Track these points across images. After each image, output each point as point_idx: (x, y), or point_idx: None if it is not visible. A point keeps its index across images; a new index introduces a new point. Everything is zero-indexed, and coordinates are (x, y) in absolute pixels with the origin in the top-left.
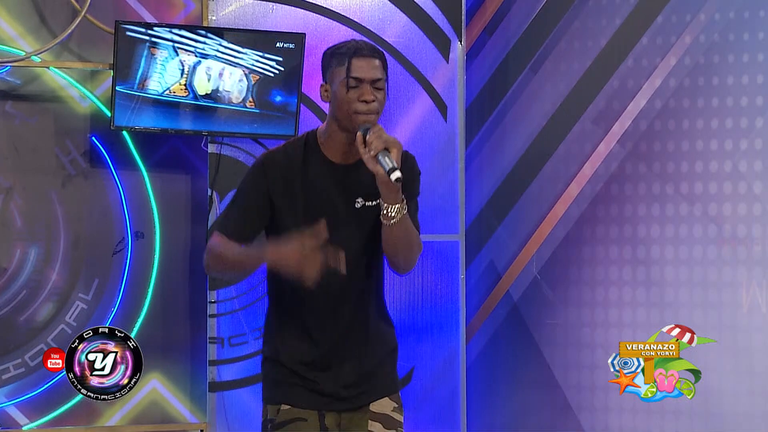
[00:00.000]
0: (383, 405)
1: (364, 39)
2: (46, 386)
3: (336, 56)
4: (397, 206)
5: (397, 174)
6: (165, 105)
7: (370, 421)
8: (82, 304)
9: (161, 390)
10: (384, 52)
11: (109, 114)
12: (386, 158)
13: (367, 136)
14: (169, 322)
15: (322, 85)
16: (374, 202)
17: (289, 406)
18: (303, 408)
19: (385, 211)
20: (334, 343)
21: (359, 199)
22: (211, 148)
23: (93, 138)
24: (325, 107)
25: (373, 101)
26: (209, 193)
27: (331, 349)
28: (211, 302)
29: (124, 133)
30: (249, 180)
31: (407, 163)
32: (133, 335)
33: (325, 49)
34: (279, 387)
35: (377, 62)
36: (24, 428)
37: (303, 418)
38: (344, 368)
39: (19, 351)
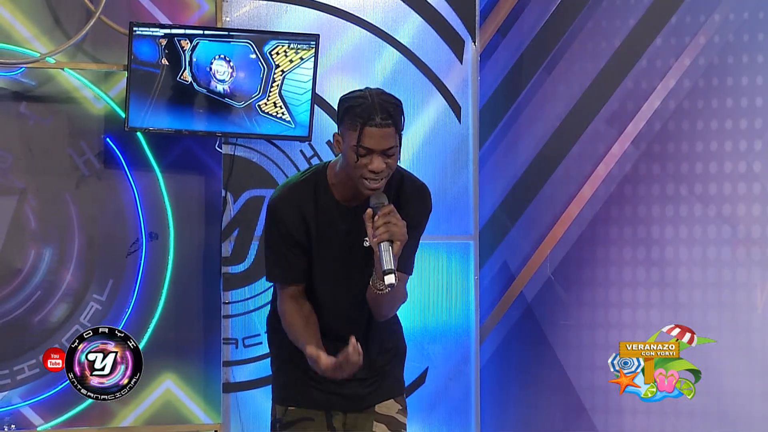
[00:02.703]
0: (388, 407)
1: (381, 89)
2: (60, 387)
3: (349, 115)
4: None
5: (390, 279)
6: (179, 106)
7: (375, 422)
8: (96, 305)
9: (175, 391)
10: (399, 101)
11: (123, 115)
12: (386, 254)
13: (376, 218)
14: (183, 322)
15: (335, 134)
16: None
17: (295, 407)
18: (310, 409)
19: (375, 283)
20: (345, 342)
21: (367, 238)
22: (225, 149)
23: (107, 139)
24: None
25: (383, 170)
26: (223, 194)
27: (342, 348)
28: (225, 303)
29: (138, 134)
30: (270, 226)
31: (421, 195)
32: (147, 336)
33: (341, 96)
34: (288, 388)
35: (390, 130)
36: (38, 429)
37: (310, 417)
38: (355, 375)
39: (33, 352)
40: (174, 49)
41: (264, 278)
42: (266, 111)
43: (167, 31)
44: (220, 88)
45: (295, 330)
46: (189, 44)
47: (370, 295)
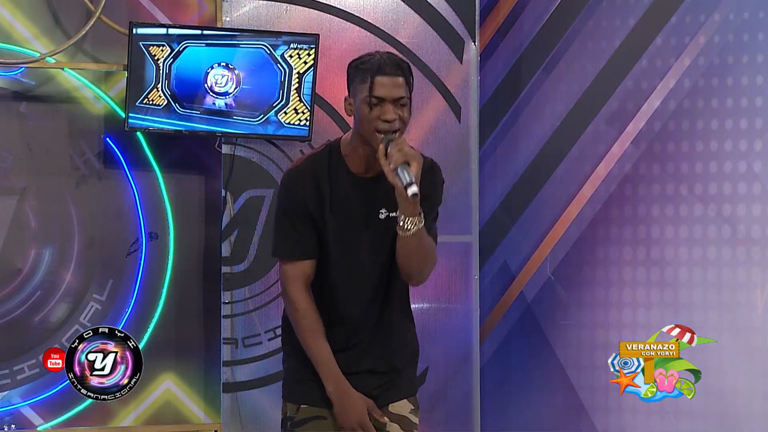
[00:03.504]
0: (402, 406)
1: (390, 51)
2: (60, 387)
3: (359, 72)
4: (413, 219)
5: (413, 189)
6: (179, 106)
7: (388, 421)
8: (96, 305)
9: (175, 390)
10: (408, 62)
11: (123, 115)
12: (405, 172)
13: (389, 149)
14: (183, 322)
15: (345, 98)
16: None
17: (308, 406)
18: (323, 407)
19: (401, 223)
20: (360, 341)
21: (383, 210)
22: (225, 149)
23: (107, 139)
24: (338, 107)
25: (395, 119)
26: (223, 193)
27: (357, 347)
28: (224, 303)
29: (138, 133)
30: (284, 197)
31: (432, 172)
32: (147, 335)
33: (350, 61)
34: (301, 386)
35: (400, 80)
36: (38, 429)
37: (322, 416)
38: (369, 367)
39: (33, 352)
40: (138, 59)
41: (264, 278)
42: (288, 122)
43: (144, 31)
44: (220, 103)
45: (312, 342)
46: (166, 51)
47: (399, 245)
